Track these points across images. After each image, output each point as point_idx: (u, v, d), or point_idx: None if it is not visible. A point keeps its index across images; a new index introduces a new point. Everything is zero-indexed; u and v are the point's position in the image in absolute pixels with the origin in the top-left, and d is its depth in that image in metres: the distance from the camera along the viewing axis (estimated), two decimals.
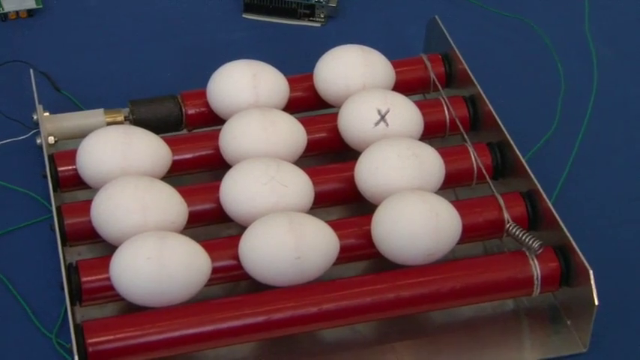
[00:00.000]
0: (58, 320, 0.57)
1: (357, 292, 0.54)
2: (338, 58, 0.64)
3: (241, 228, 0.57)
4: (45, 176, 0.61)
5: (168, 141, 0.61)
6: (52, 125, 0.63)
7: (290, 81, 0.65)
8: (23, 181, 0.64)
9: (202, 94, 0.64)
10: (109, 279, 0.54)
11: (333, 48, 0.66)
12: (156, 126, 0.63)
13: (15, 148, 0.64)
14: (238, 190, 0.57)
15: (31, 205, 0.63)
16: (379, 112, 0.61)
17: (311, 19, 0.76)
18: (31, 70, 0.66)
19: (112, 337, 0.52)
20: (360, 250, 0.57)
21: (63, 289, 0.54)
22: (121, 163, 0.58)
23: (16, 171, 0.64)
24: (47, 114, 0.64)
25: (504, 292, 0.56)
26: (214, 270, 0.55)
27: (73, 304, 0.54)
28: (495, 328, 0.57)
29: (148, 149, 0.59)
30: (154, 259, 0.52)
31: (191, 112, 0.64)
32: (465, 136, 0.63)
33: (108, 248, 0.57)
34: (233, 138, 0.60)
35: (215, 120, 0.64)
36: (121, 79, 0.71)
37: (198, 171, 0.63)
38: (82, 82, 0.69)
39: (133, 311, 0.55)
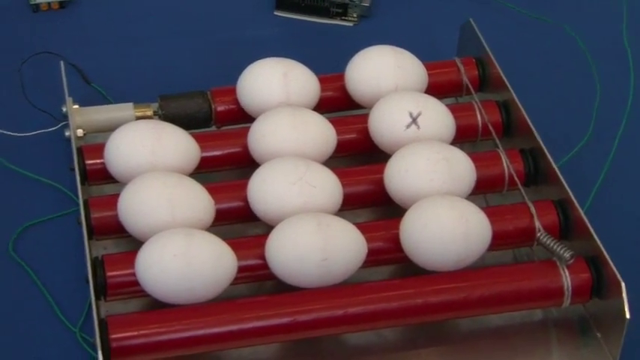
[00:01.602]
0: (83, 314, 0.56)
1: (383, 296, 0.54)
2: (370, 59, 0.64)
3: (268, 227, 0.57)
4: (72, 169, 0.60)
5: (197, 137, 0.61)
6: (81, 118, 0.63)
7: (321, 80, 0.64)
8: (51, 173, 0.64)
9: (232, 91, 0.64)
10: (134, 274, 0.53)
11: (365, 48, 0.65)
12: (185, 122, 0.62)
13: (44, 139, 0.64)
14: (266, 190, 0.56)
15: (58, 198, 0.63)
16: (411, 114, 0.60)
17: (343, 18, 0.76)
18: (62, 62, 0.66)
19: (135, 333, 0.52)
20: (387, 254, 0.57)
21: (88, 283, 0.54)
22: (150, 159, 0.57)
23: (44, 163, 0.64)
24: (77, 106, 0.63)
25: (534, 302, 0.56)
26: (240, 269, 0.54)
27: (97, 298, 0.53)
28: (523, 338, 0.57)
29: (176, 145, 0.59)
30: (181, 256, 0.52)
31: (220, 108, 0.64)
32: (497, 141, 0.62)
33: (134, 243, 0.57)
34: (262, 136, 0.59)
35: (244, 117, 0.63)
36: (151, 73, 0.71)
37: (227, 168, 0.63)
38: (111, 76, 0.69)
39: (157, 308, 0.54)
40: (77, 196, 0.60)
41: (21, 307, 0.57)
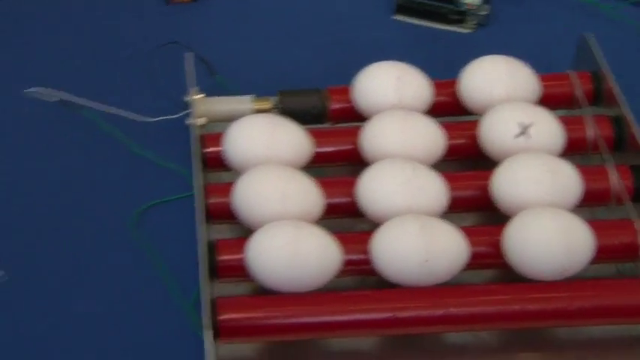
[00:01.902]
0: (193, 294, 0.58)
1: (482, 299, 0.55)
2: (484, 68, 0.65)
3: (373, 224, 0.58)
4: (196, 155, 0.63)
5: (311, 133, 0.62)
6: (203, 107, 0.65)
7: (435, 85, 0.65)
8: (173, 158, 0.66)
9: (347, 91, 0.65)
10: (243, 259, 0.55)
11: (480, 57, 0.66)
12: (300, 117, 0.64)
13: (168, 125, 0.66)
14: (375, 189, 0.58)
15: (178, 181, 0.64)
16: (521, 125, 0.61)
17: (461, 25, 0.77)
18: (189, 53, 0.68)
19: (243, 316, 0.54)
20: (488, 259, 0.58)
21: (200, 264, 0.56)
22: (265, 151, 0.59)
23: (166, 147, 0.66)
24: (200, 96, 0.65)
25: (634, 317, 0.55)
26: (345, 262, 0.56)
27: (209, 280, 0.55)
28: (622, 351, 0.56)
29: (291, 139, 0.61)
30: (289, 246, 0.54)
31: (335, 107, 0.65)
32: (607, 156, 0.62)
33: (246, 229, 0.58)
34: (373, 137, 0.61)
35: (357, 117, 0.65)
36: (271, 69, 0.72)
37: (337, 164, 0.64)
38: (234, 69, 0.71)
39: (263, 293, 0.56)
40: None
41: (137, 281, 0.60)
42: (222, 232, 0.61)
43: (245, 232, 0.59)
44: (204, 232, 0.57)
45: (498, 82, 0.64)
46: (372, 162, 0.60)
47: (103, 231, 0.62)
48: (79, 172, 0.65)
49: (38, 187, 0.64)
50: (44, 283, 0.59)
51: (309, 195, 0.58)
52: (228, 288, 0.57)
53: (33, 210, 0.63)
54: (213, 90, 0.68)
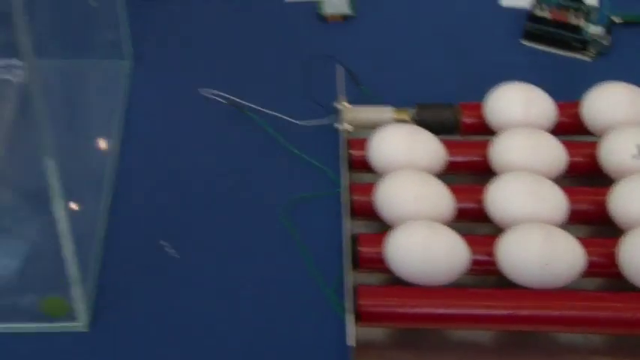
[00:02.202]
0: (334, 279, 0.59)
1: (595, 305, 0.54)
2: (606, 93, 0.64)
3: (496, 228, 0.58)
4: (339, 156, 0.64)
5: (444, 143, 0.62)
6: (350, 115, 0.66)
7: (558, 106, 0.65)
8: (319, 157, 0.66)
9: (477, 107, 0.65)
10: (380, 252, 0.56)
11: (600, 83, 0.65)
12: (434, 128, 0.64)
13: (317, 129, 0.67)
14: (503, 197, 0.58)
15: (323, 179, 0.65)
16: (639, 147, 0.60)
17: (583, 52, 0.75)
18: (339, 66, 0.69)
19: (380, 302, 0.55)
20: (602, 268, 0.57)
21: (343, 255, 0.57)
22: (405, 157, 0.60)
23: (314, 148, 0.67)
24: (347, 105, 0.66)
25: None
26: (471, 262, 0.56)
27: (350, 269, 0.57)
28: None
29: (428, 148, 0.61)
30: (423, 244, 0.55)
31: (467, 120, 0.65)
32: None
33: (383, 226, 0.59)
34: (502, 150, 0.61)
35: (486, 131, 0.65)
36: (409, 83, 0.72)
37: (466, 173, 0.64)
38: (377, 82, 0.71)
39: (396, 283, 0.57)
40: (339, 180, 0.63)
41: (284, 264, 0.61)
42: (360, 227, 0.61)
43: (380, 228, 0.59)
44: (349, 227, 0.59)
45: (619, 107, 0.63)
46: (500, 173, 0.60)
47: (258, 217, 0.63)
48: (240, 165, 0.67)
49: (206, 176, 0.66)
50: (207, 261, 0.61)
51: (441, 199, 0.58)
52: (361, 277, 0.58)
53: (201, 197, 0.64)
54: (358, 100, 0.68)
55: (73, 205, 0.56)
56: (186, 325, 0.58)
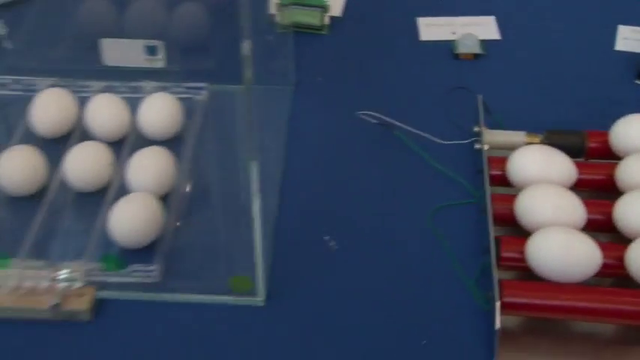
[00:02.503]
0: (474, 274, 0.61)
1: None
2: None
3: (624, 238, 0.59)
4: (480, 172, 0.66)
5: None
6: (488, 137, 0.68)
7: None
8: (458, 172, 0.68)
9: (601, 134, 0.67)
10: (519, 252, 0.58)
11: None
12: (563, 151, 0.65)
13: (458, 148, 0.69)
14: (632, 211, 0.59)
15: (462, 190, 0.67)
16: None
17: None
18: (479, 95, 0.70)
19: (520, 294, 0.56)
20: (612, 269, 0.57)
21: (485, 254, 0.59)
22: (542, 173, 0.62)
23: (454, 164, 0.69)
24: (486, 129, 0.68)
25: None
26: (602, 265, 0.57)
27: (495, 266, 0.58)
28: None
29: (561, 166, 0.63)
30: (563, 245, 0.56)
31: (592, 145, 0.67)
32: None
33: (521, 230, 0.60)
34: (630, 171, 0.62)
35: (610, 155, 0.66)
36: (533, 113, 0.74)
37: (592, 190, 0.65)
38: (506, 109, 0.72)
39: (531, 279, 0.58)
40: (477, 192, 0.65)
41: (430, 261, 0.63)
42: (498, 232, 0.62)
43: (515, 232, 0.61)
44: (493, 231, 0.60)
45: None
46: (626, 190, 0.61)
47: (406, 221, 0.65)
48: (389, 176, 0.69)
49: (360, 184, 0.68)
50: (362, 254, 0.63)
51: (575, 209, 0.60)
52: (500, 274, 0.59)
53: (356, 201, 0.67)
54: (489, 125, 0.70)
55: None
56: (343, 304, 0.60)
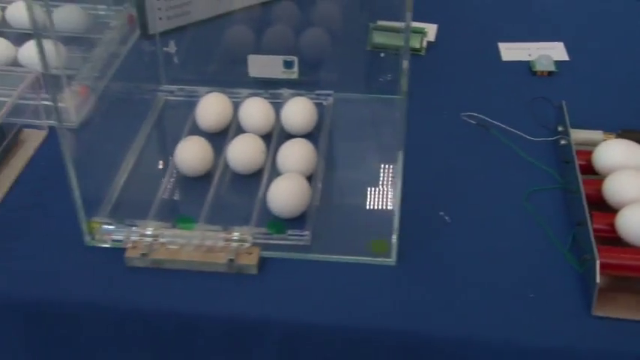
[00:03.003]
0: (567, 243, 0.62)
1: None
2: None
3: None
4: (567, 162, 0.67)
5: None
6: (573, 135, 0.68)
7: None
8: (546, 162, 0.68)
9: None
10: (608, 225, 0.59)
11: None
12: None
13: (546, 144, 0.70)
14: None
15: (548, 178, 0.68)
16: None
17: None
18: (563, 101, 0.71)
19: (614, 256, 0.57)
20: None
21: (576, 227, 0.60)
22: (625, 160, 0.63)
23: (543, 156, 0.69)
24: (570, 128, 0.69)
25: None
26: None
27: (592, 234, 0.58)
28: None
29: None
30: None
31: None
32: None
33: (608, 208, 0.61)
34: None
35: None
36: (606, 115, 0.73)
37: None
38: (580, 114, 0.71)
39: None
40: (562, 179, 0.66)
41: (526, 232, 0.63)
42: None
43: (599, 210, 0.61)
44: (587, 207, 0.60)
45: None
46: None
47: (505, 202, 0.66)
48: (488, 166, 0.70)
49: (466, 173, 0.69)
50: (471, 228, 0.64)
51: None
52: None
53: (464, 186, 0.68)
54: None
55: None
56: (459, 266, 0.61)
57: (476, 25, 0.90)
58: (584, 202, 0.61)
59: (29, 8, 0.55)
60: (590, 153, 0.67)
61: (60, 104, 0.66)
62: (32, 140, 0.73)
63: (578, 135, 0.69)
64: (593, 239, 0.58)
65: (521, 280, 0.61)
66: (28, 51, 0.79)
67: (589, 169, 0.66)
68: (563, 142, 0.69)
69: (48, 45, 0.59)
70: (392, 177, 0.68)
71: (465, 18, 0.91)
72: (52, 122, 0.75)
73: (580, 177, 0.64)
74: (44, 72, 0.57)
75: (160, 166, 0.71)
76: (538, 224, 0.65)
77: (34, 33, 0.56)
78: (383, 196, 0.67)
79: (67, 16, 0.83)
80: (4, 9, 0.87)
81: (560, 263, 0.61)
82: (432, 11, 0.90)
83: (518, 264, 0.62)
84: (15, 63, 0.80)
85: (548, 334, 0.57)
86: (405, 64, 0.54)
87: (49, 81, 0.58)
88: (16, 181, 0.69)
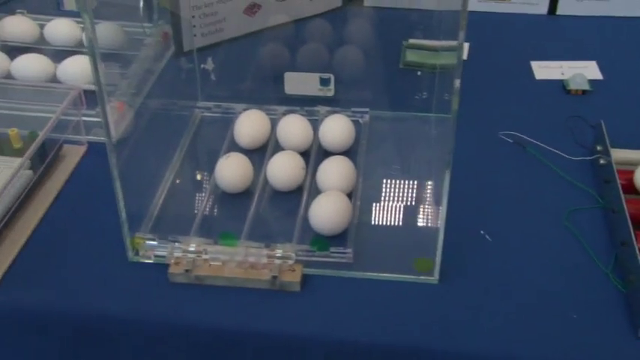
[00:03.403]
0: (610, 262, 0.62)
1: None
2: None
3: None
4: (607, 182, 0.66)
5: None
6: (613, 154, 0.68)
7: None
8: (584, 181, 0.69)
9: None
10: None
11: None
12: None
13: (584, 163, 0.70)
14: None
15: (587, 197, 0.67)
16: None
17: None
18: (602, 121, 0.70)
19: None
20: None
21: (619, 247, 0.59)
22: None
23: (581, 175, 0.69)
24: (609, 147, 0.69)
25: None
26: None
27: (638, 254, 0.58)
28: None
29: None
30: None
31: None
32: None
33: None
34: None
35: None
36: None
37: None
38: (616, 133, 0.71)
39: None
40: (602, 198, 0.66)
41: (568, 255, 0.63)
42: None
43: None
44: (631, 227, 0.60)
45: None
46: None
47: (544, 221, 0.66)
48: (526, 185, 0.70)
49: (504, 191, 0.69)
50: (511, 245, 0.64)
51: None
52: None
53: (503, 204, 0.67)
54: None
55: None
56: (501, 285, 0.61)
57: (507, 44, 0.90)
58: (629, 222, 0.61)
59: (86, 28, 0.56)
60: (631, 172, 0.67)
61: (100, 119, 0.66)
62: (72, 155, 0.74)
63: (617, 154, 0.69)
64: (639, 259, 0.58)
65: (563, 300, 0.60)
66: (68, 67, 0.80)
67: (630, 189, 0.66)
68: (602, 161, 0.69)
69: (90, 62, 0.60)
70: (432, 194, 0.69)
71: (497, 36, 0.92)
72: (91, 138, 0.76)
73: (623, 196, 0.64)
74: (95, 89, 0.58)
75: (199, 183, 0.72)
76: (579, 244, 0.64)
77: (89, 51, 0.56)
78: (423, 214, 0.67)
79: (105, 33, 0.84)
80: (42, 26, 0.89)
81: (603, 284, 0.61)
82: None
83: (560, 284, 0.61)
84: (54, 79, 0.81)
85: (592, 357, 0.57)
86: (457, 82, 0.54)
87: (99, 97, 0.59)
88: (58, 196, 0.69)
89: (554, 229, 0.66)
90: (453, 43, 0.62)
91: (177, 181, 0.71)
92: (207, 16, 0.81)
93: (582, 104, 0.81)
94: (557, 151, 0.72)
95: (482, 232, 0.66)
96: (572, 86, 0.82)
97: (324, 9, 0.88)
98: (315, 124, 0.75)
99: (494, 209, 0.68)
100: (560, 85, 0.83)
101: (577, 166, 0.72)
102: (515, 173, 0.72)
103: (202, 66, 0.79)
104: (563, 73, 0.84)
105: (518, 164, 0.73)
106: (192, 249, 0.62)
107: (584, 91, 0.81)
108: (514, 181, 0.71)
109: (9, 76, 0.81)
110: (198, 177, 0.73)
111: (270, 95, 0.79)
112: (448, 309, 0.60)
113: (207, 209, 0.68)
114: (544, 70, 0.85)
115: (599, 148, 0.70)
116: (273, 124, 0.76)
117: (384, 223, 0.67)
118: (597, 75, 0.84)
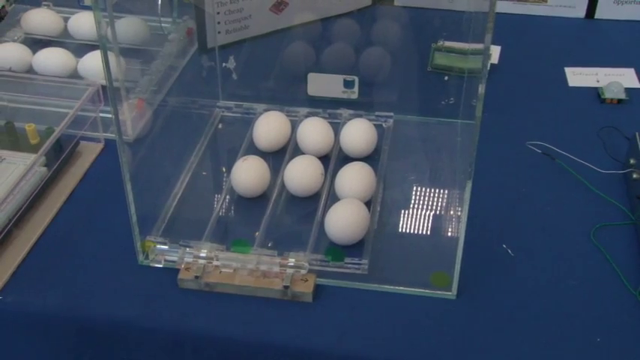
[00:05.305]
0: (637, 283, 0.59)
1: None
2: None
3: None
4: (638, 197, 0.64)
5: None
6: None
7: None
8: (616, 197, 0.66)
9: None
10: None
11: None
12: None
13: (614, 177, 0.67)
14: None
15: (617, 213, 0.65)
16: None
17: None
18: (637, 134, 0.67)
19: None
20: None
21: None
22: None
23: (613, 190, 0.66)
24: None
25: None
26: None
27: None
28: None
29: None
30: None
31: None
32: None
33: None
34: None
35: None
36: None
37: None
38: None
39: None
40: (634, 214, 0.63)
41: (595, 273, 0.61)
42: None
43: None
44: None
45: None
46: None
47: (571, 237, 0.64)
48: (554, 198, 0.67)
49: (530, 204, 0.66)
50: (534, 262, 0.62)
51: None
52: None
53: (527, 218, 0.65)
54: None
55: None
56: (522, 302, 0.59)
57: (541, 48, 0.87)
58: None
59: (98, 22, 0.54)
60: None
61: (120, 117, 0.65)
62: (89, 152, 0.73)
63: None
64: None
65: (587, 322, 0.58)
66: (89, 62, 0.80)
67: None
68: (635, 175, 0.65)
69: (110, 57, 0.59)
70: (454, 205, 0.66)
71: (530, 40, 0.88)
72: (109, 135, 0.75)
73: None
74: (110, 85, 0.57)
75: (215, 186, 0.70)
76: (607, 261, 0.61)
77: (101, 46, 0.55)
78: (443, 225, 0.65)
79: (128, 28, 0.84)
80: (66, 20, 0.88)
81: (631, 306, 0.58)
82: (495, 32, 0.87)
83: (584, 304, 0.59)
84: (74, 74, 0.80)
85: None
86: (481, 88, 0.52)
87: (114, 94, 0.58)
88: (71, 194, 0.69)
89: (581, 245, 0.63)
90: (481, 46, 0.60)
91: (193, 183, 0.70)
92: (232, 12, 0.80)
93: (617, 114, 0.77)
94: (587, 164, 0.69)
95: (504, 246, 0.63)
96: (608, 95, 0.78)
97: (353, 7, 0.86)
98: (337, 128, 0.74)
99: (518, 222, 0.66)
100: (595, 93, 0.79)
101: (608, 180, 0.68)
102: (542, 185, 0.69)
103: (224, 65, 0.78)
104: (598, 81, 0.81)
105: (545, 176, 0.70)
106: (203, 255, 0.61)
107: (619, 100, 0.78)
108: (540, 194, 0.68)
109: (31, 69, 0.81)
110: (215, 179, 0.72)
111: (293, 96, 0.77)
112: (464, 326, 0.58)
113: (222, 213, 0.67)
114: (578, 76, 0.82)
115: (632, 161, 0.67)
116: (294, 125, 0.74)
117: (403, 233, 0.65)
118: (635, 83, 0.80)
